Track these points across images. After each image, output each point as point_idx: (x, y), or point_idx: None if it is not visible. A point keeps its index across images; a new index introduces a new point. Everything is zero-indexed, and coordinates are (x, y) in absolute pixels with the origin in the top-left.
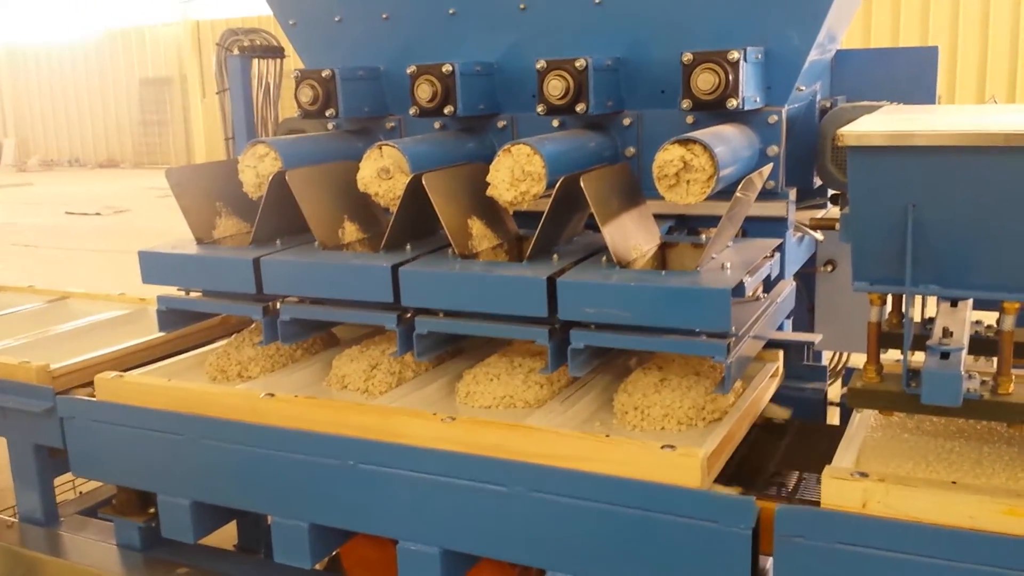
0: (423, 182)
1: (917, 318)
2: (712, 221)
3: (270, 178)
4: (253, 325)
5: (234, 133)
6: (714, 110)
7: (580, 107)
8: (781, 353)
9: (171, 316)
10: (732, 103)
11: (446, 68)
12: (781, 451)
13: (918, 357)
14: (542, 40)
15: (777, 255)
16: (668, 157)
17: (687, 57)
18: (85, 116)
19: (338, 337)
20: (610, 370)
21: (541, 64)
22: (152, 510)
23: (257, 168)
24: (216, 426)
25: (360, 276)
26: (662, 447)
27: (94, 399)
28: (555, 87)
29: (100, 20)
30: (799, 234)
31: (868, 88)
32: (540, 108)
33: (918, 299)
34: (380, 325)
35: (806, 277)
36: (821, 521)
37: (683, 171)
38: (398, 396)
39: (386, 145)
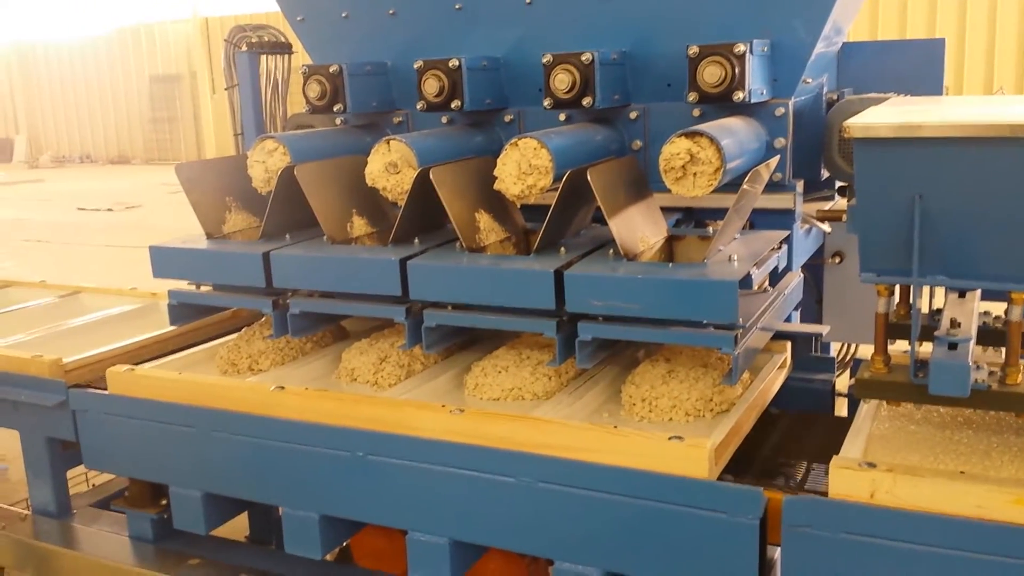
0: (431, 176)
1: (925, 309)
2: (719, 213)
3: (279, 173)
4: (263, 319)
5: (243, 129)
6: (720, 103)
7: (587, 101)
8: (789, 344)
9: (182, 310)
10: (738, 96)
11: (453, 63)
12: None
13: (926, 348)
14: (548, 34)
15: (784, 247)
16: (675, 150)
17: (693, 50)
18: (96, 113)
19: (347, 330)
20: (618, 362)
21: (547, 58)
22: (164, 502)
23: (266, 163)
24: (227, 419)
25: (369, 270)
26: (670, 438)
27: (106, 392)
28: (562, 81)
29: (110, 17)
30: (806, 226)
31: (875, 80)
32: (547, 102)
33: (926, 290)
34: (389, 318)
35: (814, 269)
36: (829, 511)
37: (690, 164)
38: (407, 388)
39: (394, 139)
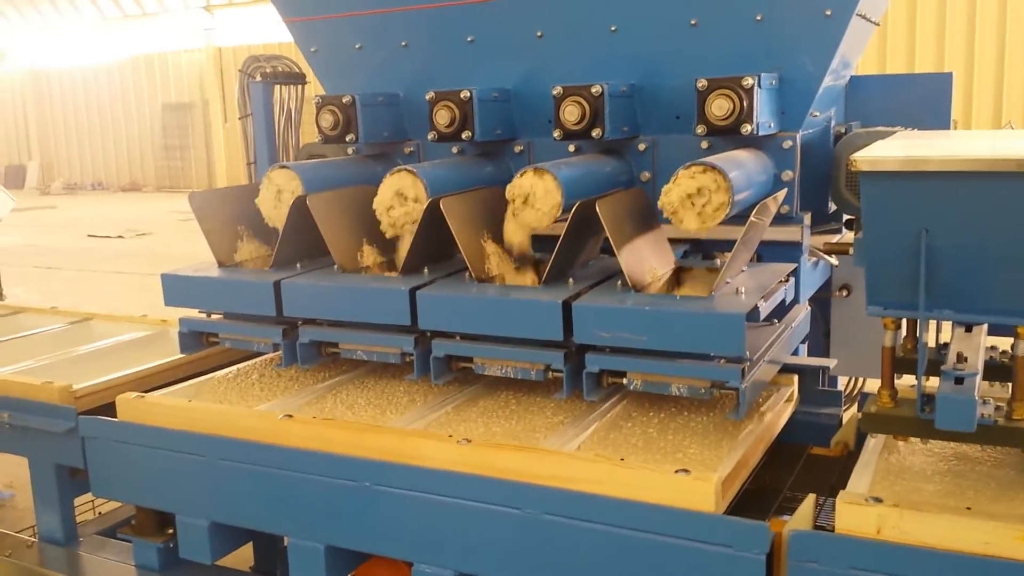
0: (441, 206)
1: (932, 343)
2: (727, 245)
3: (291, 203)
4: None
5: (256, 158)
6: (729, 135)
7: (596, 132)
8: (796, 378)
9: (192, 338)
10: (746, 129)
11: (464, 94)
12: None
13: (933, 382)
14: (558, 66)
15: (792, 280)
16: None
17: (702, 83)
18: (108, 140)
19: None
20: (627, 393)
21: (557, 90)
22: (171, 531)
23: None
24: (235, 447)
25: (378, 299)
26: (676, 471)
27: (116, 420)
28: (571, 113)
29: (124, 46)
30: (814, 259)
31: (882, 114)
32: (556, 133)
33: (932, 324)
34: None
35: (821, 302)
36: (835, 546)
37: (696, 196)
38: (414, 418)
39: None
